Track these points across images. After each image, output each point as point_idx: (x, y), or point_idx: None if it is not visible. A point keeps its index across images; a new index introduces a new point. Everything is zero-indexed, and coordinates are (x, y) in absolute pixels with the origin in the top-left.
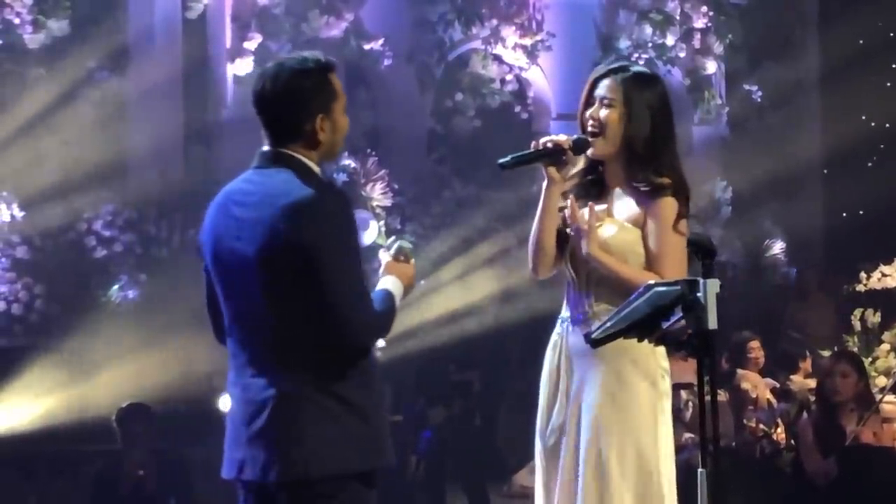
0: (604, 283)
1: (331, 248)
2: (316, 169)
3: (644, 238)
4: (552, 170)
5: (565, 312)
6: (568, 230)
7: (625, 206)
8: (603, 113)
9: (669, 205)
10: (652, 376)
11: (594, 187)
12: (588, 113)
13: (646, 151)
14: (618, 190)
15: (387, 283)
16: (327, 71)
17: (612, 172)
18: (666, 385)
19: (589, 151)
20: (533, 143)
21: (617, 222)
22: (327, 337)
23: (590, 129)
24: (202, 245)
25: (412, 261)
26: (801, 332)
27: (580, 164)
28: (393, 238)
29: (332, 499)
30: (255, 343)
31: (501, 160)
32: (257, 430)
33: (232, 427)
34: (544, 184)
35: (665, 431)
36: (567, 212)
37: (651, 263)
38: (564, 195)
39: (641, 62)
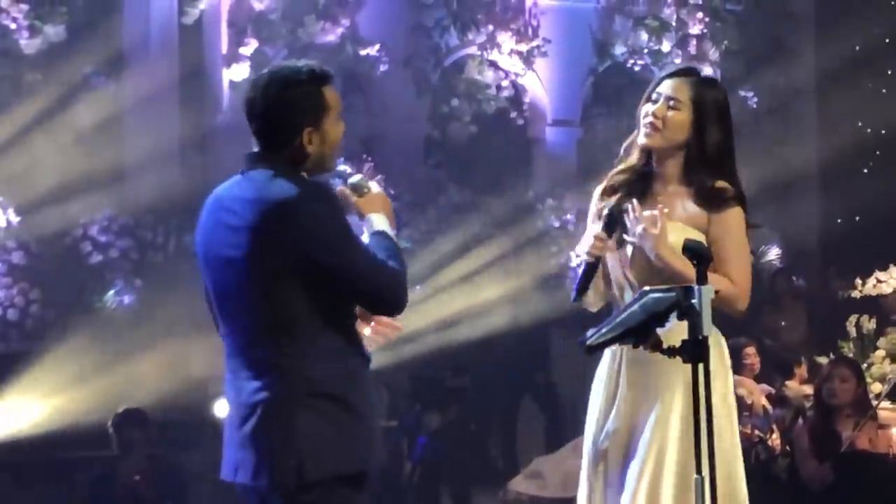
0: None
1: (331, 242)
2: (300, 172)
3: (708, 243)
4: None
5: None
6: (627, 236)
7: (681, 206)
8: (669, 113)
9: (738, 215)
10: (718, 378)
11: (642, 183)
12: (651, 109)
13: (717, 157)
14: (671, 189)
15: (374, 223)
16: (320, 82)
17: (669, 172)
18: (729, 385)
19: (642, 141)
20: (580, 266)
21: (678, 225)
22: (373, 311)
23: (649, 124)
24: (197, 252)
25: (373, 189)
26: (774, 339)
27: (633, 159)
28: (341, 181)
29: (325, 501)
30: (248, 346)
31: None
32: (249, 432)
33: (228, 429)
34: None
35: (736, 432)
36: (631, 215)
37: (720, 269)
38: (613, 191)
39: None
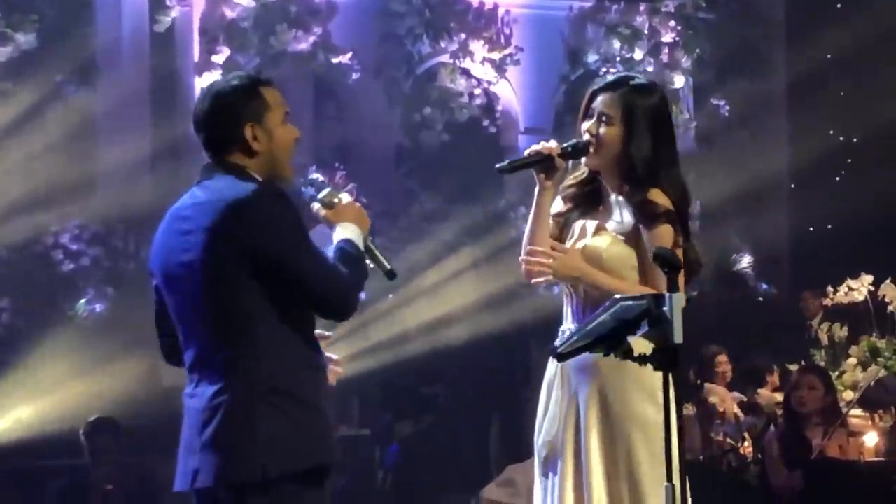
0: (605, 297)
1: (283, 241)
2: (256, 175)
3: (639, 255)
4: (542, 177)
5: (566, 324)
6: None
7: (620, 215)
8: (602, 130)
9: (666, 233)
10: (650, 388)
11: (592, 194)
12: (585, 127)
13: (646, 171)
14: (613, 198)
15: (341, 232)
16: (257, 84)
17: (610, 182)
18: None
19: (584, 162)
20: (527, 151)
21: (610, 235)
22: (320, 315)
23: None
24: (152, 268)
25: (343, 199)
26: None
27: (580, 171)
28: (314, 190)
29: (287, 497)
30: (208, 350)
31: (499, 165)
32: (211, 434)
33: (185, 437)
34: (536, 189)
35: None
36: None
37: (650, 282)
38: (565, 201)
39: (609, 77)
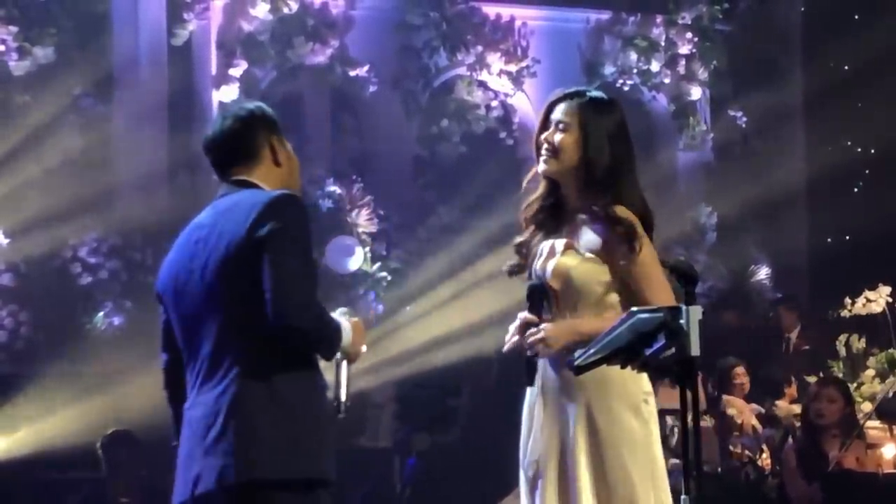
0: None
1: (281, 237)
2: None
3: (612, 272)
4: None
5: None
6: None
7: (583, 236)
8: (558, 137)
9: (641, 242)
10: (635, 403)
11: (554, 211)
12: (543, 136)
13: (605, 178)
14: (575, 218)
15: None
16: (274, 121)
17: (570, 197)
18: (650, 408)
19: (541, 169)
20: (514, 349)
21: (579, 253)
22: (267, 317)
23: (544, 151)
24: (160, 287)
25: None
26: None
27: (539, 190)
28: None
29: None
30: (212, 359)
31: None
32: (213, 437)
33: (186, 448)
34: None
35: (658, 457)
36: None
37: (638, 297)
38: (528, 224)
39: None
